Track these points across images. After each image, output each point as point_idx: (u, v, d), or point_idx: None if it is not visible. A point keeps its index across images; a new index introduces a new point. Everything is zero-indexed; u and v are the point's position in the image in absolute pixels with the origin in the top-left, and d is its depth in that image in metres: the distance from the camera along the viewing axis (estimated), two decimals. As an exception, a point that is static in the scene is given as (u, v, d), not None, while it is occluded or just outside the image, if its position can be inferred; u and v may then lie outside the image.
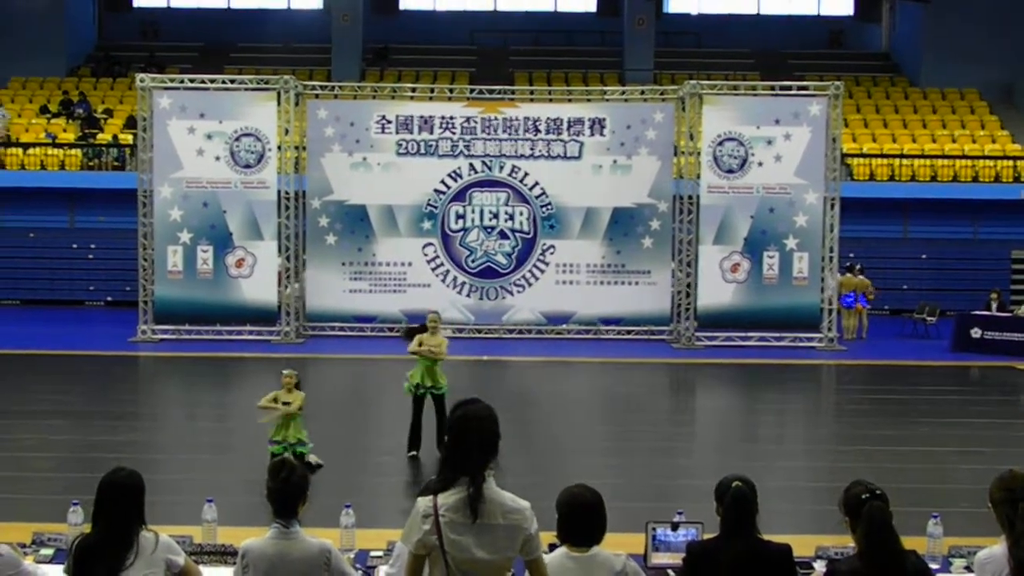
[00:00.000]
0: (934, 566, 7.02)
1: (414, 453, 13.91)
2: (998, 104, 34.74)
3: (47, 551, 7.19)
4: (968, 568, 7.13)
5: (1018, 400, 20.47)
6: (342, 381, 20.92)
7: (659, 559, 7.07)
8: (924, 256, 31.19)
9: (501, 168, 25.11)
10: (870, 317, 26.77)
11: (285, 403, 12.61)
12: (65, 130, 32.25)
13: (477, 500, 4.74)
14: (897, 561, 5.09)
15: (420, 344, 14.01)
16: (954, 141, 32.50)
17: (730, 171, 24.36)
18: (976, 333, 24.39)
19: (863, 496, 5.20)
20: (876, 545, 5.07)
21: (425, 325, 14.20)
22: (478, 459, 4.80)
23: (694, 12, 39.95)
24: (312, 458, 12.72)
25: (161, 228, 24.33)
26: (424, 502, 4.81)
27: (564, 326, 25.34)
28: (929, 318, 26.82)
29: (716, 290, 24.52)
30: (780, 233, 24.37)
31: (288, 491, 5.46)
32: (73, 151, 31.04)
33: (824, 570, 6.48)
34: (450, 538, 4.73)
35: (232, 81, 25.41)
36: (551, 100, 26.43)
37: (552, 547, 5.39)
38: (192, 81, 25.13)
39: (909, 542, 5.27)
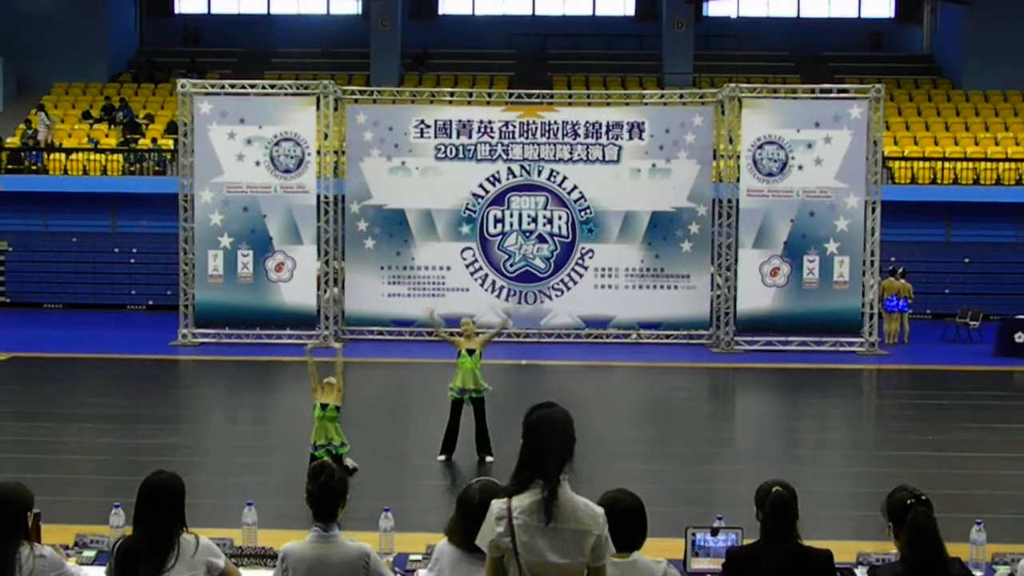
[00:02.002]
0: (978, 573, 6.97)
1: (444, 457, 13.93)
2: (1041, 106, 34.46)
3: (89, 553, 7.23)
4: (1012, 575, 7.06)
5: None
6: (381, 385, 20.95)
7: (699, 565, 7.03)
8: (967, 260, 30.93)
9: (540, 172, 25.10)
10: (912, 322, 26.56)
11: (323, 405, 12.61)
12: (107, 135, 32.52)
13: (551, 503, 4.70)
14: (941, 568, 5.04)
15: (459, 354, 14.05)
16: (997, 143, 32.22)
17: (770, 175, 24.24)
18: (1020, 338, 24.12)
19: (908, 501, 5.15)
20: (921, 551, 5.02)
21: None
22: (555, 462, 4.78)
23: (733, 15, 39.81)
24: (349, 462, 12.72)
25: (202, 232, 24.48)
26: (498, 504, 4.78)
27: (603, 330, 25.30)
28: (972, 323, 26.57)
29: (756, 294, 24.40)
30: (821, 237, 24.23)
31: (328, 494, 5.49)
32: (115, 156, 31.29)
33: (866, 576, 6.43)
34: (523, 540, 4.70)
35: (272, 86, 25.53)
36: (590, 104, 26.40)
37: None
38: (232, 86, 25.27)
39: (952, 549, 5.22)
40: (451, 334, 14.56)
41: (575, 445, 4.90)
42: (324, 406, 12.57)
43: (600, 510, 4.86)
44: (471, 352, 13.98)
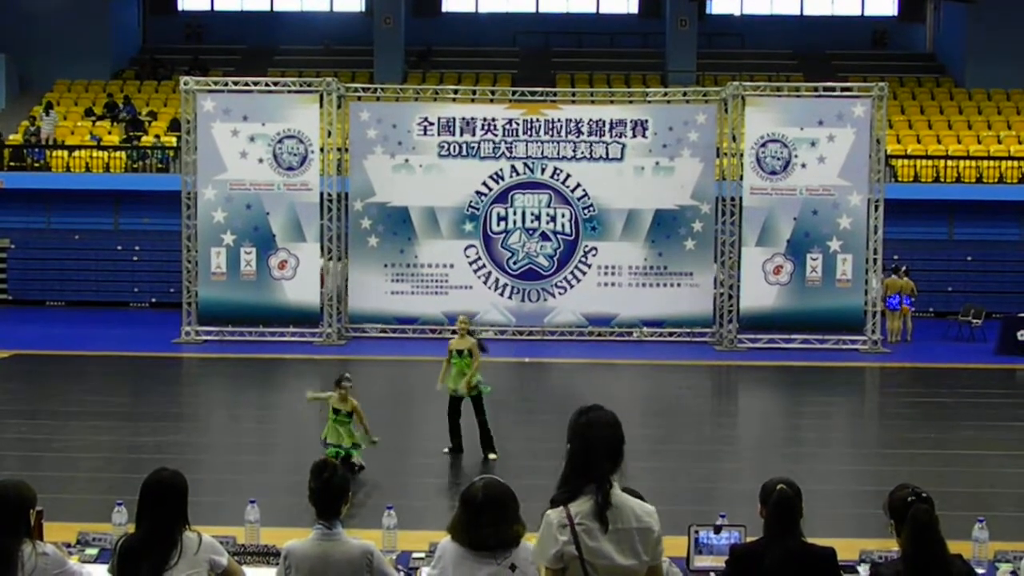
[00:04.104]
0: (980, 571, 6.96)
1: (450, 448, 13.96)
2: (1045, 104, 34.42)
3: (92, 551, 7.23)
4: (1014, 573, 7.06)
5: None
6: (384, 383, 20.94)
7: (702, 562, 7.03)
8: (970, 258, 30.90)
9: (543, 170, 25.09)
10: (914, 319, 26.55)
11: (336, 410, 12.64)
12: (110, 132, 32.53)
13: (605, 508, 4.68)
14: (942, 565, 5.04)
15: (449, 353, 14.02)
16: (1000, 142, 32.20)
17: (773, 173, 24.24)
18: (1022, 336, 24.12)
19: (909, 499, 5.16)
20: (921, 548, 5.02)
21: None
22: (605, 466, 4.77)
23: (737, 13, 39.79)
24: (356, 459, 12.72)
25: (205, 230, 24.49)
26: (556, 513, 4.72)
27: (606, 328, 25.29)
28: (974, 321, 26.55)
29: (759, 292, 24.39)
30: (824, 235, 24.22)
31: (330, 492, 5.49)
32: (118, 153, 31.31)
33: (868, 574, 6.43)
34: (588, 546, 4.67)
35: (275, 84, 25.52)
36: (593, 102, 26.37)
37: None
38: (235, 84, 25.27)
39: (954, 546, 5.22)
40: (449, 353, 14.22)
41: (624, 447, 4.87)
42: (336, 411, 12.60)
43: (653, 508, 4.86)
44: (460, 353, 13.95)
